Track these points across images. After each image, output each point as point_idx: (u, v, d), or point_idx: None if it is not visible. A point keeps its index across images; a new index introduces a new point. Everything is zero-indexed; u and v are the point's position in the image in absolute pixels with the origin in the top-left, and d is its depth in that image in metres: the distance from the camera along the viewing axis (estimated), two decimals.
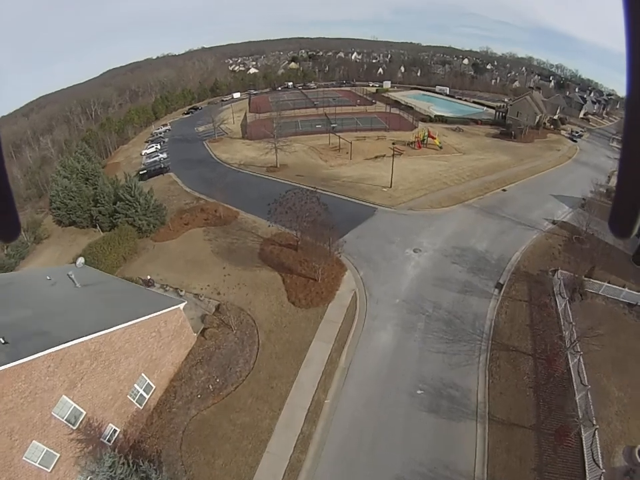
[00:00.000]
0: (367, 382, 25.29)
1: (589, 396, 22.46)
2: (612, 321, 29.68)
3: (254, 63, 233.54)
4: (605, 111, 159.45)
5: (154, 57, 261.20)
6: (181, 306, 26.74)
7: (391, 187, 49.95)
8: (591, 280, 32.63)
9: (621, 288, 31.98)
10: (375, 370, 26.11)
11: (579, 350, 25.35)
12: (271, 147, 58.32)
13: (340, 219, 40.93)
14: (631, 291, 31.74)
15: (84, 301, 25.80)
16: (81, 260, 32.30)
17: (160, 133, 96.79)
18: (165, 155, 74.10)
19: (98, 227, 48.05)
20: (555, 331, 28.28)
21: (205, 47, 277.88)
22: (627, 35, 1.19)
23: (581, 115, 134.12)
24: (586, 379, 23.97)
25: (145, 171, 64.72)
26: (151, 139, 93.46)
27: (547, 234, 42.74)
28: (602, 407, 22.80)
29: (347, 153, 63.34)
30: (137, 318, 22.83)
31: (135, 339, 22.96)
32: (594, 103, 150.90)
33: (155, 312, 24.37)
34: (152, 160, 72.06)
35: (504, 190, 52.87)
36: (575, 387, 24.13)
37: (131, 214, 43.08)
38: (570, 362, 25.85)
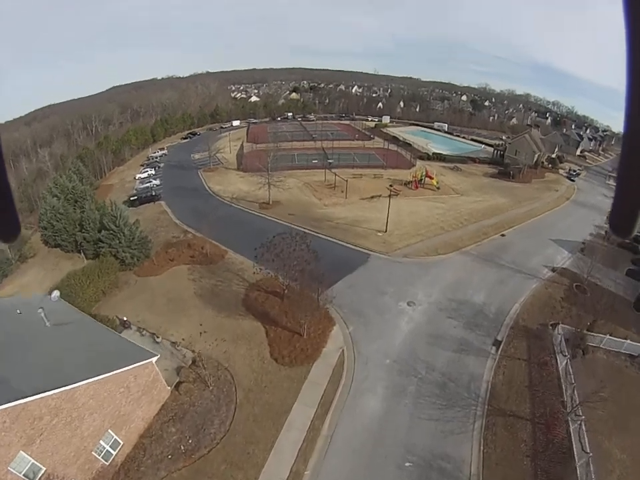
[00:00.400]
0: (352, 452, 23.11)
1: (591, 464, 20.95)
2: (614, 375, 28.93)
3: (256, 91, 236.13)
4: (600, 148, 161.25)
5: (159, 78, 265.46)
6: (154, 360, 24.62)
7: (386, 231, 48.13)
8: (593, 334, 31.76)
9: (622, 340, 31.34)
10: (360, 438, 23.93)
11: (580, 414, 23.81)
12: (264, 181, 56.84)
13: (331, 265, 39.05)
14: (633, 342, 31.12)
15: (51, 344, 23.95)
16: (56, 293, 30.57)
17: (156, 157, 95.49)
18: (158, 182, 72.82)
19: (82, 254, 46.18)
20: (555, 393, 27.00)
21: (210, 71, 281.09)
22: (627, 36, 1.21)
23: (578, 152, 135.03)
24: (587, 445, 22.33)
25: (136, 197, 63.36)
26: (146, 162, 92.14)
27: (546, 282, 41.29)
28: (604, 473, 21.54)
29: (342, 191, 61.92)
30: (104, 373, 21.22)
31: (101, 395, 21.23)
32: (590, 139, 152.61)
33: (124, 366, 22.56)
34: (145, 185, 70.71)
35: (502, 235, 51.38)
36: (576, 455, 22.47)
37: (115, 245, 41.35)
38: (570, 427, 24.18)
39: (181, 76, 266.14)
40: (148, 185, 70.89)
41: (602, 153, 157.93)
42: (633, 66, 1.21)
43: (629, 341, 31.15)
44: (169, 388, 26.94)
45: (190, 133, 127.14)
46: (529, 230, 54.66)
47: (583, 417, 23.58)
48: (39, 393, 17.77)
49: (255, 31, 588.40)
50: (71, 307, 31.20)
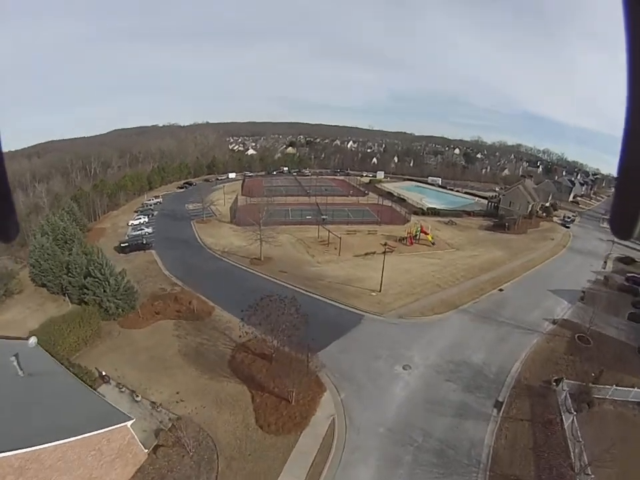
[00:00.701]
0: None
1: None
2: (621, 426, 28.07)
3: (253, 144, 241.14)
4: (592, 192, 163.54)
5: (160, 125, 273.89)
6: (129, 423, 23.20)
7: (380, 291, 46.55)
8: (598, 386, 30.88)
9: (629, 389, 30.61)
10: None
11: (589, 473, 22.75)
12: (256, 237, 55.92)
13: (323, 326, 38.06)
14: None
15: (22, 397, 22.88)
16: (33, 340, 29.56)
17: (150, 205, 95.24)
18: (150, 230, 72.32)
19: (67, 298, 44.68)
20: (561, 453, 25.63)
21: (210, 122, 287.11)
22: (627, 36, 1.23)
23: (571, 198, 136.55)
24: None
25: (127, 244, 62.53)
26: (140, 209, 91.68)
27: (547, 336, 40.12)
28: None
29: (336, 248, 61.03)
30: (74, 435, 20.16)
31: (70, 457, 20.18)
32: (582, 184, 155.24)
33: (96, 429, 21.30)
34: (137, 233, 70.29)
35: (500, 290, 50.12)
36: None
37: (99, 293, 40.05)
38: None
39: (182, 124, 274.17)
40: (140, 232, 70.47)
41: (593, 196, 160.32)
42: (633, 66, 1.23)
43: (636, 389, 30.34)
44: (146, 451, 25.16)
45: (186, 183, 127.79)
46: (526, 282, 53.74)
47: (593, 477, 22.65)
48: (3, 451, 17.04)
49: (256, 83, 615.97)
50: (48, 356, 30.04)
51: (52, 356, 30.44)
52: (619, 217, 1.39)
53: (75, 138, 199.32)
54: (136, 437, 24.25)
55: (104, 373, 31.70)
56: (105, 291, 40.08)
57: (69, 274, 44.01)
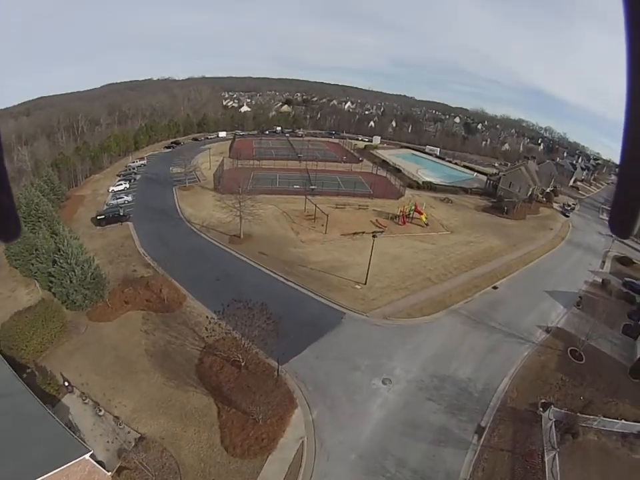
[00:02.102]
0: None
1: None
2: (604, 460, 26.92)
3: (248, 100, 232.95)
4: (592, 177, 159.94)
5: (154, 79, 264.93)
6: (87, 456, 20.93)
7: (365, 283, 42.61)
8: (585, 415, 29.20)
9: (615, 420, 29.40)
10: None
11: None
12: (237, 212, 51.22)
13: (298, 325, 34.96)
14: (626, 422, 29.33)
15: None
16: None
17: (134, 168, 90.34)
18: (129, 198, 68.57)
19: (37, 284, 41.64)
20: None
21: (206, 76, 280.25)
22: (627, 36, 1.22)
23: (571, 183, 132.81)
24: None
25: (104, 216, 58.77)
26: (123, 172, 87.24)
27: (540, 348, 37.43)
28: None
29: (323, 225, 56.73)
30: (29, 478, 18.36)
31: None
32: (583, 169, 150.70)
33: (53, 468, 19.20)
34: (116, 201, 67.09)
35: (495, 288, 46.67)
36: None
37: (65, 284, 36.79)
38: None
39: (177, 79, 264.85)
40: (119, 200, 67.29)
41: (594, 182, 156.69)
42: (633, 66, 1.22)
43: (623, 421, 29.29)
44: (109, 474, 23.29)
45: (173, 142, 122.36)
46: (523, 280, 50.44)
47: None
48: None
49: (255, 41, 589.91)
50: (6, 368, 27.12)
51: (15, 360, 29.38)
52: (619, 215, 1.37)
53: (67, 93, 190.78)
54: (97, 465, 22.28)
55: (67, 384, 29.40)
56: (71, 281, 36.73)
57: (37, 259, 40.50)
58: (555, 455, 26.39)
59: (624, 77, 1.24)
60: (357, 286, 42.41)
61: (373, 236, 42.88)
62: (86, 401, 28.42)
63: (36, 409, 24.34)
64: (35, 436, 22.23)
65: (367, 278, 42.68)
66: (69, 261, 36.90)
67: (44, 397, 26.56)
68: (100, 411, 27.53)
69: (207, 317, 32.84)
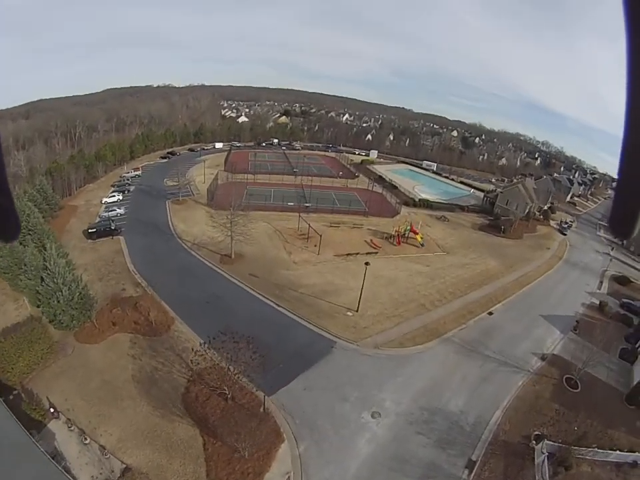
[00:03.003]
0: None
1: None
2: None
3: (247, 110, 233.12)
4: (589, 192, 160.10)
5: (154, 85, 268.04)
6: None
7: (357, 310, 41.53)
8: (578, 447, 28.66)
9: (609, 451, 29.04)
10: None
11: None
12: (229, 232, 50.03)
13: (287, 354, 34.17)
14: (620, 453, 29.01)
15: None
16: None
17: (128, 179, 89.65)
18: (122, 211, 67.87)
19: (26, 300, 40.58)
20: None
21: (206, 84, 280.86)
22: (627, 36, 1.23)
23: (568, 199, 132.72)
24: None
25: (95, 230, 57.88)
26: (117, 183, 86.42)
27: (534, 377, 36.62)
28: None
29: (316, 245, 55.84)
30: None
31: None
32: (580, 184, 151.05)
33: None
34: (108, 213, 66.18)
35: (490, 313, 45.78)
36: None
37: (53, 304, 35.85)
38: None
39: (177, 86, 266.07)
40: (112, 213, 66.39)
41: (590, 197, 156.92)
42: (633, 67, 1.22)
43: (617, 452, 28.98)
44: None
45: (169, 153, 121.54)
46: (519, 304, 49.55)
47: None
48: None
49: (256, 49, 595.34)
50: None
51: (1, 382, 29.59)
52: (619, 216, 1.37)
53: (67, 96, 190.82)
54: None
55: (52, 411, 28.63)
56: (58, 301, 35.83)
57: (25, 275, 39.78)
58: None
59: (621, 89, 1.24)
60: (348, 313, 41.34)
61: (366, 263, 41.32)
62: (72, 428, 27.70)
63: (21, 438, 23.87)
64: (20, 466, 21.74)
65: (358, 305, 41.65)
66: (55, 280, 36.09)
67: (30, 422, 26.33)
68: (85, 439, 26.83)
69: (192, 349, 32.05)
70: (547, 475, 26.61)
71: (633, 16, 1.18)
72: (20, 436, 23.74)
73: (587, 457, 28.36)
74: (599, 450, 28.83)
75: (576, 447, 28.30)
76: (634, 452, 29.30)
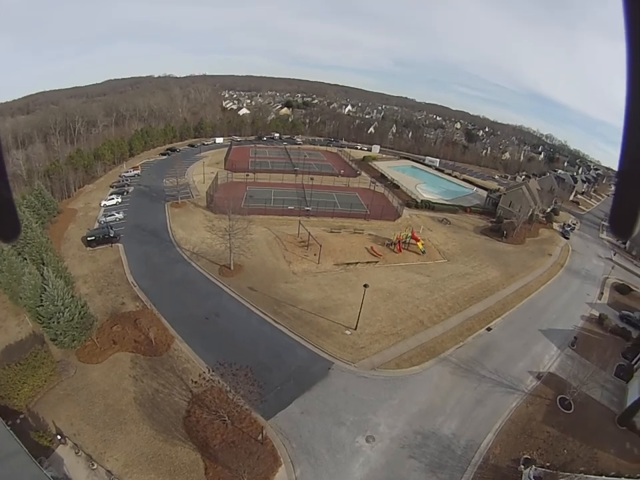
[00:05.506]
0: None
1: None
2: None
3: (248, 100, 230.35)
4: (593, 189, 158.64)
5: (155, 75, 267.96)
6: None
7: (355, 328, 41.55)
8: (566, 473, 28.74)
9: (597, 476, 29.16)
10: None
11: None
12: (228, 243, 49.87)
13: (287, 374, 35.08)
14: (607, 477, 29.16)
15: None
16: None
17: (127, 178, 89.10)
18: (121, 215, 67.49)
19: (27, 317, 40.84)
20: None
21: (207, 74, 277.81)
22: (627, 36, 1.25)
23: (572, 197, 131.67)
24: None
25: (94, 237, 57.71)
26: (116, 184, 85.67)
27: (529, 397, 36.82)
28: None
29: (315, 254, 55.87)
30: None
31: None
32: (584, 182, 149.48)
33: None
34: (107, 219, 65.92)
35: (488, 329, 45.73)
36: None
37: (53, 325, 35.82)
38: None
39: (178, 76, 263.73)
40: (110, 218, 66.14)
41: (594, 194, 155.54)
42: (633, 66, 1.24)
43: (603, 477, 29.03)
44: None
45: (169, 149, 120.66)
46: (518, 318, 49.38)
47: None
48: None
49: (259, 38, 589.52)
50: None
51: (7, 407, 30.04)
52: (619, 216, 1.38)
53: (68, 88, 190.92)
54: None
55: (59, 437, 28.94)
56: (58, 322, 35.77)
57: (24, 293, 39.28)
58: None
59: (624, 81, 1.25)
60: (347, 331, 41.37)
61: (365, 286, 40.82)
62: (79, 453, 28.21)
63: (33, 470, 24.18)
64: None
65: (357, 322, 41.72)
66: (55, 303, 36.03)
67: (38, 448, 27.00)
68: (93, 465, 27.42)
69: (192, 380, 32.48)
70: None
71: (633, 16, 1.20)
72: (30, 466, 24.13)
73: None
74: (586, 475, 29.02)
75: (562, 473, 28.59)
76: (619, 477, 29.47)
